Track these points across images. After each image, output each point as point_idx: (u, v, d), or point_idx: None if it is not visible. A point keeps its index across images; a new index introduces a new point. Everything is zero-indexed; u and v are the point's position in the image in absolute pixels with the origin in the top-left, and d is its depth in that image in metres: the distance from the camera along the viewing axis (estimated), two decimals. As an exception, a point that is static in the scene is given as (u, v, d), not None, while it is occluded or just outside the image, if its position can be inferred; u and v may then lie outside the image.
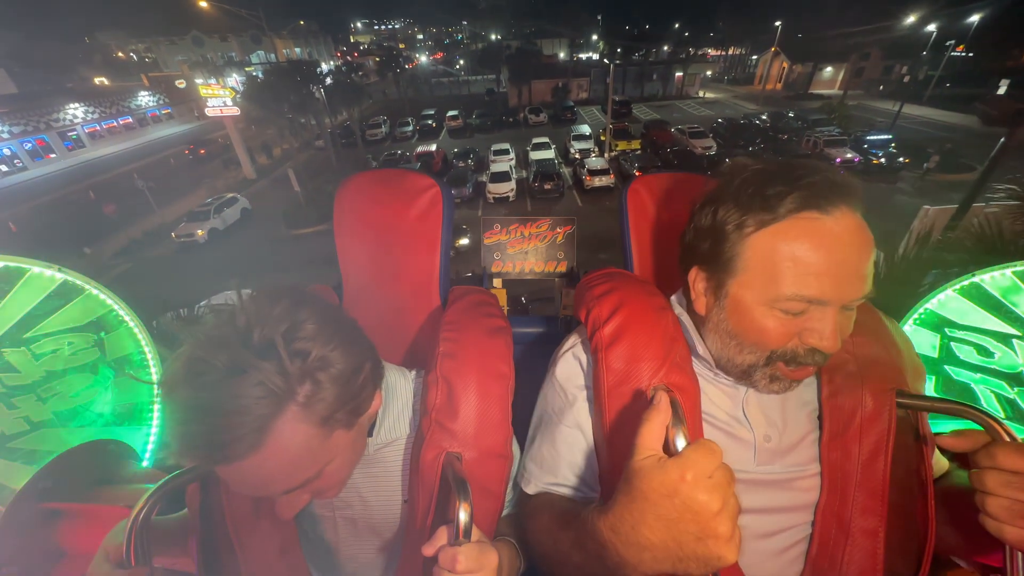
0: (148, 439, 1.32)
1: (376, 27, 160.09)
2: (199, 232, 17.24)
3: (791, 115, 28.65)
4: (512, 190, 18.50)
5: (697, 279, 0.77)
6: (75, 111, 31.52)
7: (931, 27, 30.25)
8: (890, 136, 20.74)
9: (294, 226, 18.31)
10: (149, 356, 1.32)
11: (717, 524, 0.52)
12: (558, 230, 2.30)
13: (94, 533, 1.01)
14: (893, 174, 18.67)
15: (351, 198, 1.12)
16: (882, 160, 18.81)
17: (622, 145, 23.55)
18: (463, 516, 0.62)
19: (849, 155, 19.12)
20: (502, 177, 18.96)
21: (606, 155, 22.75)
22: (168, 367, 0.58)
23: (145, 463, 1.29)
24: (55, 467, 1.04)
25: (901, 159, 18.77)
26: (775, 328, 0.67)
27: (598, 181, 18.80)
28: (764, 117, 28.59)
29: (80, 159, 30.73)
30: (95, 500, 1.07)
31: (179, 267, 15.85)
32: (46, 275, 1.19)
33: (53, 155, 29.61)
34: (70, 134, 30.97)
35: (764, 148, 23.36)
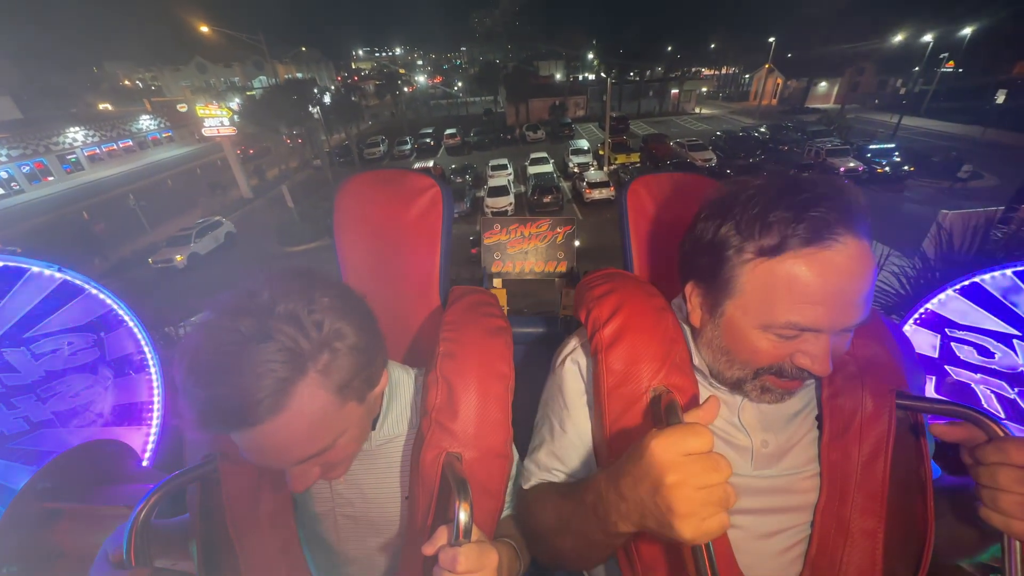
0: (148, 439, 1.31)
1: (377, 54, 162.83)
2: (178, 257, 16.21)
3: (790, 126, 28.99)
4: (511, 204, 18.56)
5: (693, 293, 0.77)
6: (75, 135, 31.66)
7: (927, 38, 30.61)
8: (893, 145, 20.84)
9: (288, 243, 18.21)
10: (149, 356, 1.32)
11: (669, 495, 0.54)
12: (558, 230, 2.31)
13: (94, 533, 1.01)
14: (898, 182, 18.81)
15: (351, 198, 1.12)
16: (887, 169, 18.90)
17: (621, 158, 23.72)
18: (463, 516, 0.63)
19: (852, 164, 19.21)
20: (500, 191, 19.05)
21: (605, 168, 22.88)
22: (190, 335, 0.60)
23: (145, 463, 1.28)
24: (55, 467, 1.04)
25: (905, 167, 18.88)
26: (767, 350, 0.67)
27: (598, 194, 18.93)
28: (763, 129, 28.93)
29: (78, 181, 30.71)
30: (95, 500, 1.07)
31: (166, 286, 15.28)
32: (46, 275, 1.19)
33: (51, 178, 29.68)
34: (69, 157, 31.06)
35: (764, 159, 23.53)
